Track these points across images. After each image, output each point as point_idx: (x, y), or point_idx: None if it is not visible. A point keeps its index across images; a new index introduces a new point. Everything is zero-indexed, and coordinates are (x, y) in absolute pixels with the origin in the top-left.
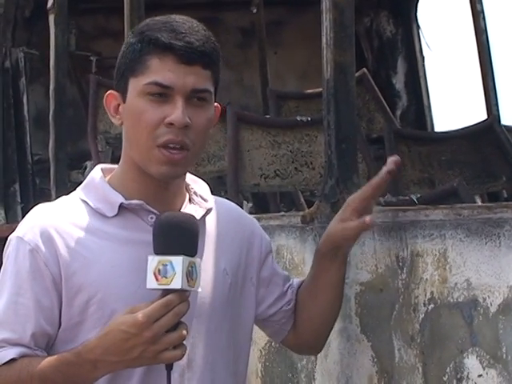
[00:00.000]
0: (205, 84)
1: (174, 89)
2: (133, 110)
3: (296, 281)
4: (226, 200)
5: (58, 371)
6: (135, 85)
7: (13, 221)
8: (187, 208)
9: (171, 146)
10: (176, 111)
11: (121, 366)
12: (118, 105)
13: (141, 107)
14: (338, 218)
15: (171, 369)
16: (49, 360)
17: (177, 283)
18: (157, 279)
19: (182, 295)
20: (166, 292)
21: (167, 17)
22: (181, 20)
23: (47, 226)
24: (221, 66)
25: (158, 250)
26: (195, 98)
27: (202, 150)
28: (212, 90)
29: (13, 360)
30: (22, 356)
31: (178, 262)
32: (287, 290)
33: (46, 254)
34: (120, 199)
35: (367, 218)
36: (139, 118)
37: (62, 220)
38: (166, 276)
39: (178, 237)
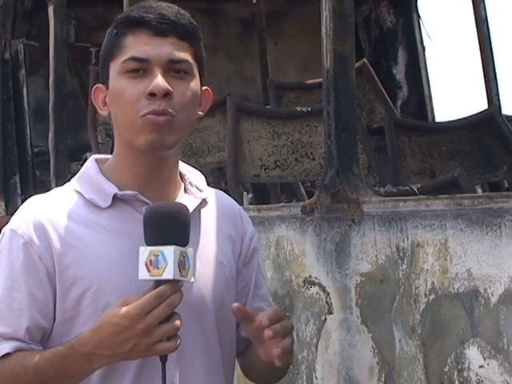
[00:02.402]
0: (182, 55)
1: (151, 61)
2: (114, 90)
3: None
4: (224, 193)
5: (52, 364)
6: (114, 67)
7: (13, 213)
8: (182, 198)
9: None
10: (154, 80)
11: (115, 359)
12: (105, 96)
13: (121, 85)
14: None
15: (165, 360)
16: (43, 353)
17: (169, 273)
18: (148, 270)
19: (175, 286)
20: (159, 283)
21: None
22: (157, 2)
23: (41, 218)
24: (202, 43)
25: (149, 241)
26: (173, 69)
27: (188, 125)
28: (192, 61)
29: (7, 354)
30: (17, 350)
31: (169, 252)
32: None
33: (39, 247)
34: (114, 190)
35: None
36: (121, 96)
37: (55, 212)
38: (158, 267)
39: (169, 226)
